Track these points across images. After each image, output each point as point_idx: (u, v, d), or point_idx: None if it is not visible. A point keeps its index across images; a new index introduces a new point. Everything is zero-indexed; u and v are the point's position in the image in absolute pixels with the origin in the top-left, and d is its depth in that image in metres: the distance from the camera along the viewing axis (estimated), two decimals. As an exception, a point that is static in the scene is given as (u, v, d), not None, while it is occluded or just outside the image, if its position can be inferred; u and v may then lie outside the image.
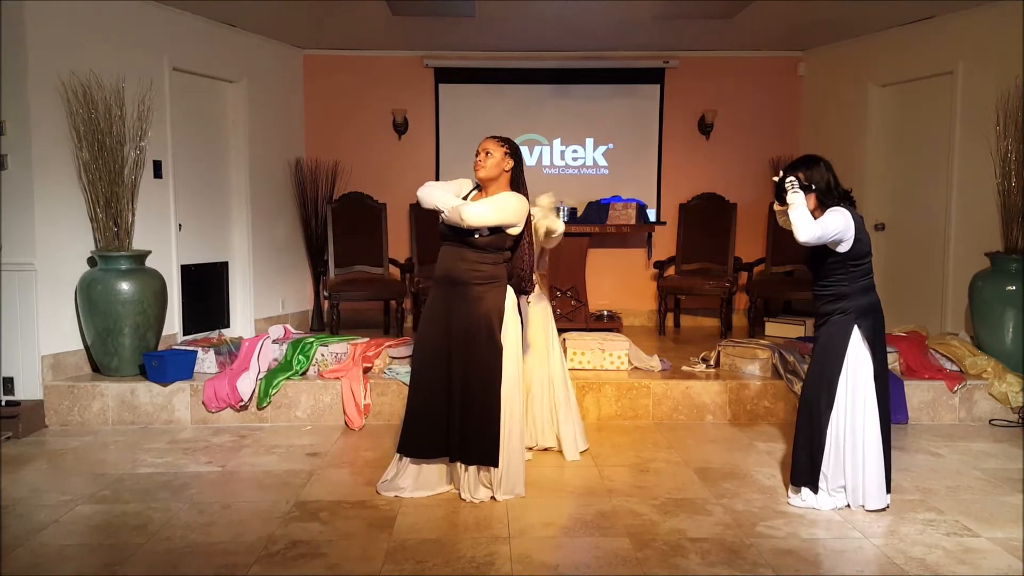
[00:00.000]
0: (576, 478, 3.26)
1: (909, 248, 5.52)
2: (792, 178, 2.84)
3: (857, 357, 2.86)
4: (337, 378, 4.13)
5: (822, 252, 2.88)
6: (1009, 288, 4.33)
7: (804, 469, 2.92)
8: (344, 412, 4.05)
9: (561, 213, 5.94)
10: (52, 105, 4.09)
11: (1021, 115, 4.38)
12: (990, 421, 4.14)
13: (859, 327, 2.85)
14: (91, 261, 4.30)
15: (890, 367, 4.26)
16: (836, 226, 2.77)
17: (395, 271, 5.97)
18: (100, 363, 4.24)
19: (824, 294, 2.92)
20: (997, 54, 4.72)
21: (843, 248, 2.82)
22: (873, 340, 2.87)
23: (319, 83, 6.27)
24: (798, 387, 4.07)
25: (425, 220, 6.04)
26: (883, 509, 2.90)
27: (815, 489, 2.92)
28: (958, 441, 3.83)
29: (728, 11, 5.12)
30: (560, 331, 4.76)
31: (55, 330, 4.16)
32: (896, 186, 5.63)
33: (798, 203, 2.80)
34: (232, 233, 5.60)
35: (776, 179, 2.92)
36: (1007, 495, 3.09)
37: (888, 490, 2.93)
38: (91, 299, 4.12)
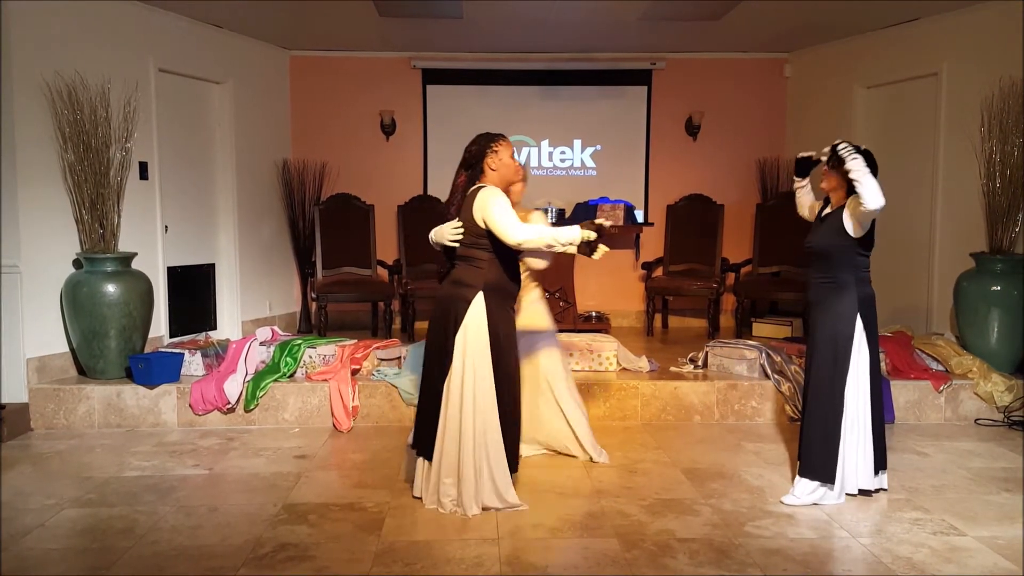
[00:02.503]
0: (565, 479, 3.26)
1: (895, 249, 5.55)
2: (845, 143, 2.82)
3: (860, 347, 2.89)
4: (325, 380, 4.11)
5: (837, 239, 2.88)
6: (994, 288, 4.38)
7: (822, 460, 2.91)
8: (332, 414, 4.03)
9: (549, 214, 5.96)
10: (37, 106, 4.05)
11: (1005, 116, 4.43)
12: (975, 420, 4.18)
13: (861, 316, 2.88)
14: (76, 263, 4.26)
15: (876, 367, 4.32)
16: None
17: (383, 272, 5.95)
18: (86, 366, 4.20)
19: (827, 283, 2.94)
20: (981, 55, 4.77)
21: (861, 233, 2.85)
22: (870, 331, 2.90)
23: (306, 84, 6.25)
24: (785, 387, 4.10)
25: (413, 222, 6.04)
26: (875, 492, 2.95)
27: (832, 481, 2.90)
28: (944, 440, 3.86)
29: (715, 12, 5.15)
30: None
31: (40, 332, 4.12)
32: (881, 187, 5.65)
33: (862, 168, 2.75)
34: (218, 235, 5.57)
35: (827, 150, 2.90)
36: (993, 494, 3.11)
37: (881, 469, 2.97)
38: (76, 301, 4.08)
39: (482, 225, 2.82)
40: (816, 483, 2.94)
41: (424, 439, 2.94)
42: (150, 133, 4.77)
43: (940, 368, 4.37)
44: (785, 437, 3.84)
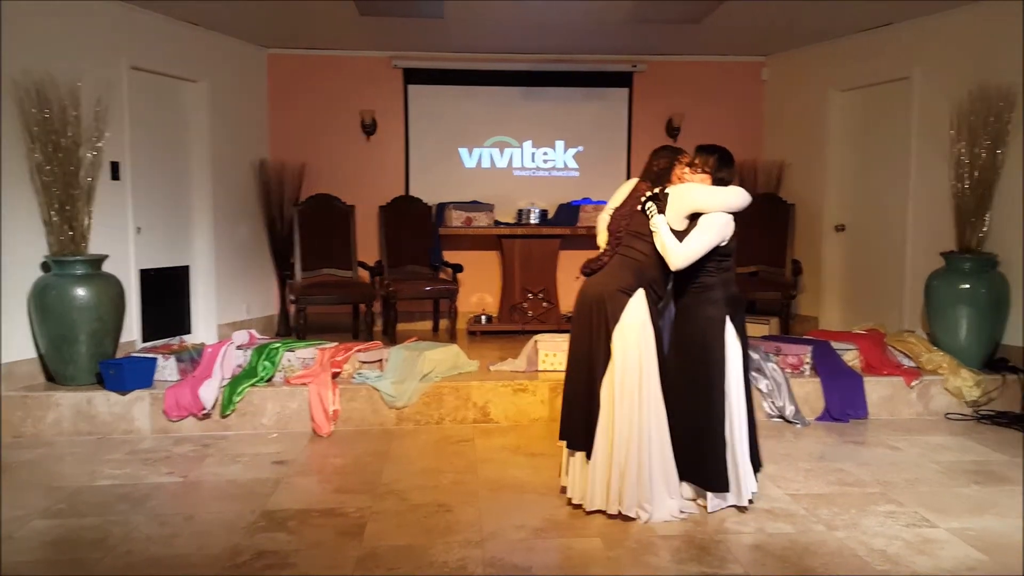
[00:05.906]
0: (547, 480, 3.26)
1: (868, 248, 5.66)
2: (650, 203, 2.85)
3: (732, 349, 2.85)
4: (305, 384, 4.07)
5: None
6: (963, 286, 4.47)
7: (725, 472, 2.82)
8: (312, 418, 3.99)
9: (532, 214, 5.96)
10: (3, 105, 3.95)
11: (974, 119, 4.52)
12: (946, 415, 4.26)
13: (730, 318, 2.85)
14: (45, 266, 4.16)
15: (850, 364, 4.39)
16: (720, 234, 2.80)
17: (364, 274, 5.91)
18: (55, 372, 4.11)
19: (694, 287, 2.88)
20: (951, 60, 4.87)
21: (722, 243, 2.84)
22: (740, 332, 2.88)
23: (284, 83, 6.18)
24: (763, 384, 4.14)
25: (395, 222, 6.00)
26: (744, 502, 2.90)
27: (727, 489, 2.83)
28: (916, 435, 3.93)
29: (695, 14, 5.19)
30: (531, 333, 4.78)
31: (7, 338, 4.01)
32: (856, 188, 5.77)
33: (656, 225, 2.80)
34: (193, 236, 5.48)
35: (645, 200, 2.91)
36: (963, 487, 3.18)
37: (756, 471, 2.93)
38: (45, 306, 3.99)
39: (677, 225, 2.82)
40: (722, 494, 2.85)
41: (579, 433, 2.86)
42: (122, 132, 4.68)
43: (912, 364, 4.45)
44: (763, 434, 3.87)
